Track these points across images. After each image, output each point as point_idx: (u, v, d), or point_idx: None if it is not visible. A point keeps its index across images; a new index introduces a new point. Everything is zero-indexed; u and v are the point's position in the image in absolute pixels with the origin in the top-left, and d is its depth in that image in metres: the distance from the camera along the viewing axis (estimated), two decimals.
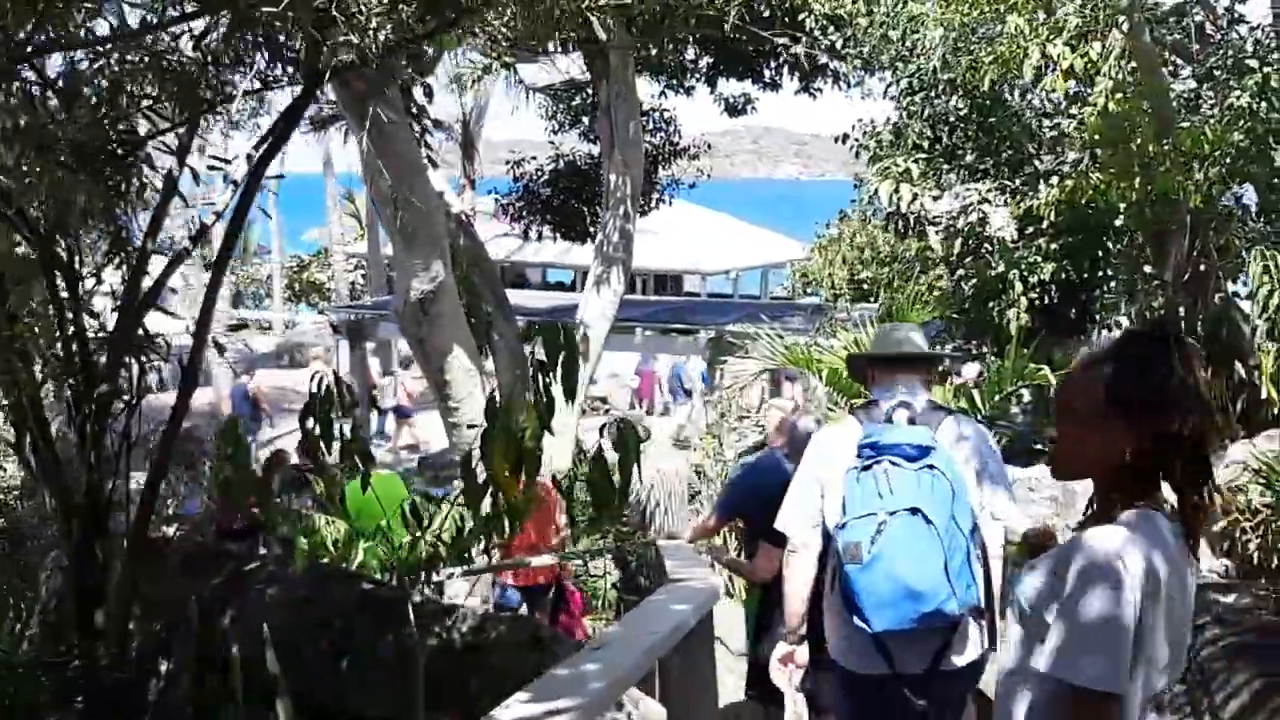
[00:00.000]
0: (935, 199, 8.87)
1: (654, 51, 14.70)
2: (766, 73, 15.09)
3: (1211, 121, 7.79)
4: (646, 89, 15.52)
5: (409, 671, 4.43)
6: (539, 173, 15.36)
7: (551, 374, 3.01)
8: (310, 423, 3.78)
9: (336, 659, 5.04)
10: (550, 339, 2.97)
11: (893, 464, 3.01)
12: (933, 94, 9.21)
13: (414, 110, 9.91)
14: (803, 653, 3.45)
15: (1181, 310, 9.00)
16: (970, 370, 9.28)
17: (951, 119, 9.44)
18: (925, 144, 9.24)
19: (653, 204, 16.06)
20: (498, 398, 3.53)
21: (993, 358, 8.60)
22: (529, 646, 5.11)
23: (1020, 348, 8.09)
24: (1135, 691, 1.89)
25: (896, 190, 8.73)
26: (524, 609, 6.88)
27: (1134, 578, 1.85)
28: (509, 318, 12.10)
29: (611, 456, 3.27)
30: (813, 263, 11.48)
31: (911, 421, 3.19)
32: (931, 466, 3.00)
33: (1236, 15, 9.70)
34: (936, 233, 9.13)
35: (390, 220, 9.79)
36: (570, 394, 3.09)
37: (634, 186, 11.33)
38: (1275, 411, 6.17)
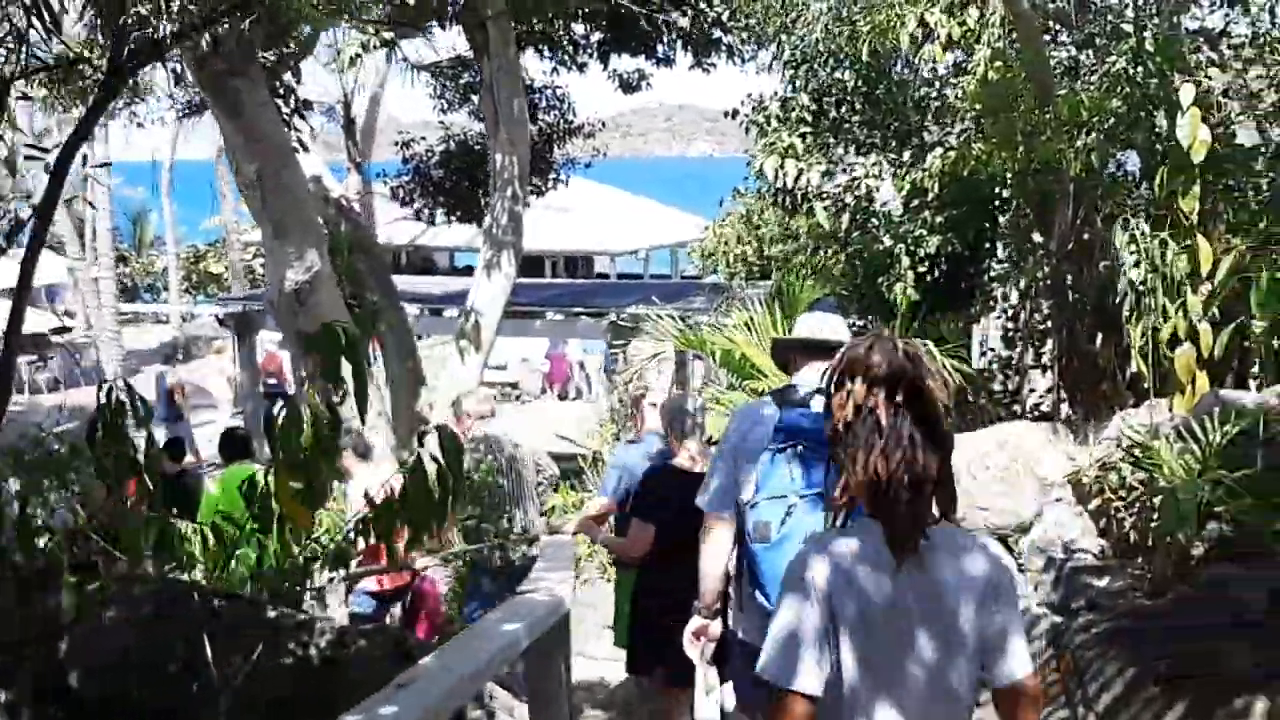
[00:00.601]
0: (824, 174, 8.66)
1: (538, 25, 14.33)
2: (659, 48, 14.81)
3: (1090, 88, 7.70)
4: (537, 66, 15.14)
5: (246, 695, 4.15)
6: (429, 153, 14.86)
7: (337, 382, 2.65)
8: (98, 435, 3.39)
9: (189, 681, 4.73)
10: (331, 345, 2.61)
11: (806, 449, 3.09)
12: (816, 66, 8.99)
13: (280, 91, 9.41)
14: (716, 626, 3.49)
15: (1069, 279, 8.95)
16: None
17: (836, 92, 9.24)
18: (810, 117, 9.02)
19: (549, 184, 15.68)
20: (304, 396, 3.16)
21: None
22: (392, 658, 4.82)
23: (909, 323, 7.95)
24: (843, 694, 1.98)
25: (781, 166, 8.49)
26: (392, 615, 6.57)
27: (810, 584, 1.98)
28: (397, 307, 11.68)
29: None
30: (706, 242, 11.18)
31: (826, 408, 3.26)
32: None
33: None
34: (824, 208, 8.92)
35: (258, 207, 9.33)
36: (361, 404, 2.75)
37: (521, 166, 10.97)
38: (1145, 385, 6.10)
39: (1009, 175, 8.29)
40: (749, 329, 8.90)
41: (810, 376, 3.32)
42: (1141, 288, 5.49)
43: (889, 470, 1.99)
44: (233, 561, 6.14)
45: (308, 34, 12.84)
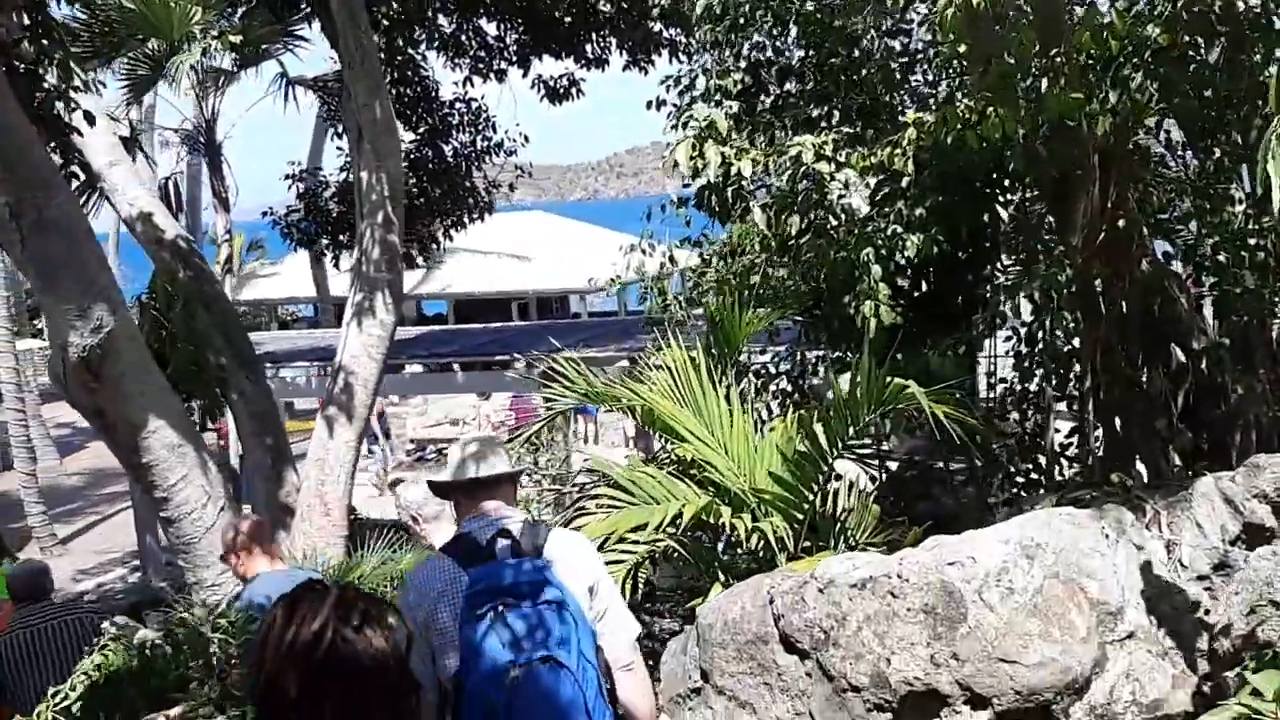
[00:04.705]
0: (757, 164, 6.37)
1: (441, 23, 12.28)
2: (588, 47, 12.72)
3: (1117, 11, 5.45)
4: (448, 76, 13.03)
5: None
6: (322, 186, 12.64)
7: None
8: None
9: None
10: None
11: (510, 607, 2.76)
12: (746, 23, 6.71)
13: (37, 105, 7.20)
14: None
15: (1099, 284, 6.65)
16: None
17: (778, 60, 6.94)
18: (739, 90, 6.74)
19: (473, 215, 13.47)
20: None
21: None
22: None
23: (883, 356, 5.61)
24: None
25: (699, 152, 6.21)
26: None
27: None
28: (254, 370, 9.39)
29: None
30: (625, 270, 9.04)
31: (515, 553, 2.88)
32: (550, 602, 2.79)
33: None
34: (763, 207, 6.61)
35: (16, 252, 7.11)
36: None
37: (393, 184, 8.71)
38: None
39: (1009, 145, 6.02)
40: (673, 375, 6.59)
41: (482, 519, 3.01)
42: None
43: None
44: None
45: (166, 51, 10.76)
